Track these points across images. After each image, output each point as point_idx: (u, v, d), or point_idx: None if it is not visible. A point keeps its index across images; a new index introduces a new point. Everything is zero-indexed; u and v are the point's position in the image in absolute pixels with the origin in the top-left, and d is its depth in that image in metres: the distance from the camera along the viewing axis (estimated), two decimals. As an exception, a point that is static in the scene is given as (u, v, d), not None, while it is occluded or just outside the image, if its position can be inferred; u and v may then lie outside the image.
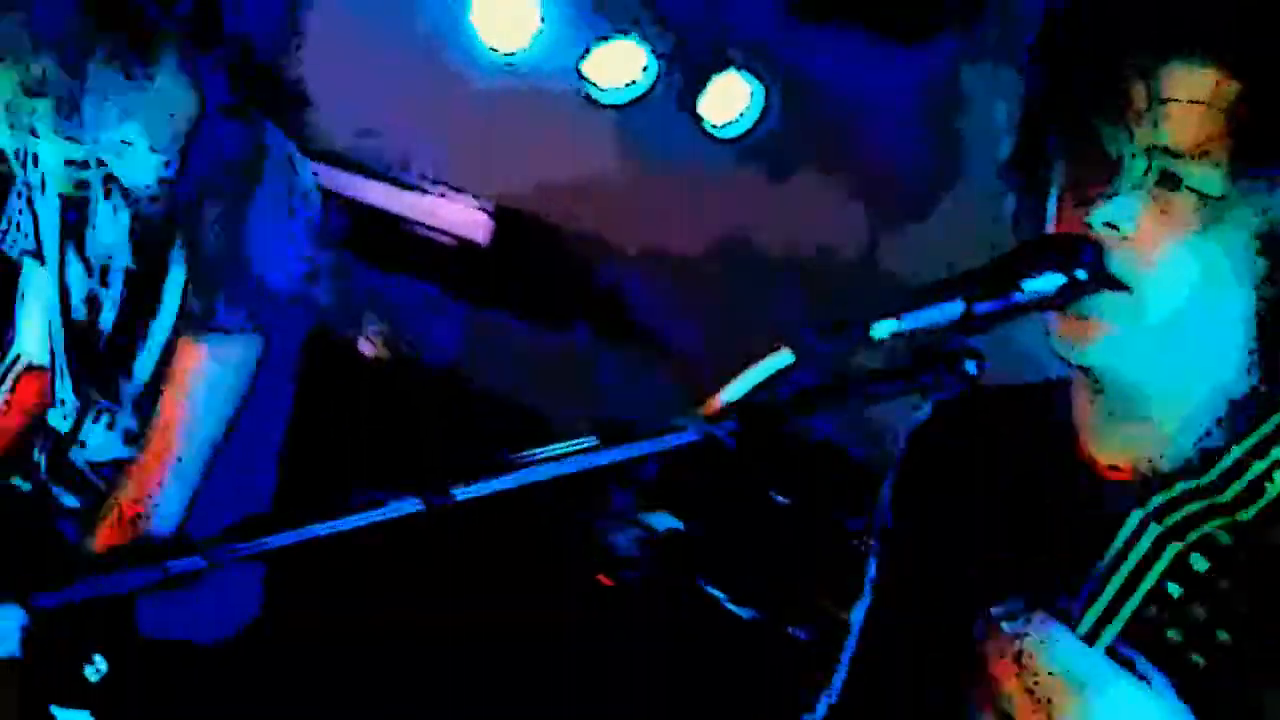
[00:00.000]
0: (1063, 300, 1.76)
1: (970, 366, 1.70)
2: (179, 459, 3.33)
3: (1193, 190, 1.73)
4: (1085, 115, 1.80)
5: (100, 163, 3.42)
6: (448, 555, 5.33)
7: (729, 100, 6.78)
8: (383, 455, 5.69)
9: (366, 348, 6.70)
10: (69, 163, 3.42)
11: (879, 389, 1.70)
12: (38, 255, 3.66)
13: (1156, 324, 1.79)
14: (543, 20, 6.38)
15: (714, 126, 6.80)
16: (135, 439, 3.50)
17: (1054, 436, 2.00)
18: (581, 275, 7.22)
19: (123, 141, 3.37)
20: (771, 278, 6.72)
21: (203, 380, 3.33)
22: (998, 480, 2.06)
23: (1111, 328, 1.79)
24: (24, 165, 3.61)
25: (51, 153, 3.43)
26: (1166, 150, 1.73)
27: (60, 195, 3.54)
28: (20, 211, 3.69)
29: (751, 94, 6.79)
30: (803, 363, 1.64)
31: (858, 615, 2.30)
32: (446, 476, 1.53)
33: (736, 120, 6.78)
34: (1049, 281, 1.74)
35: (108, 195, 3.47)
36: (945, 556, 2.09)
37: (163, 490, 3.30)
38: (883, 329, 1.66)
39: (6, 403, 3.82)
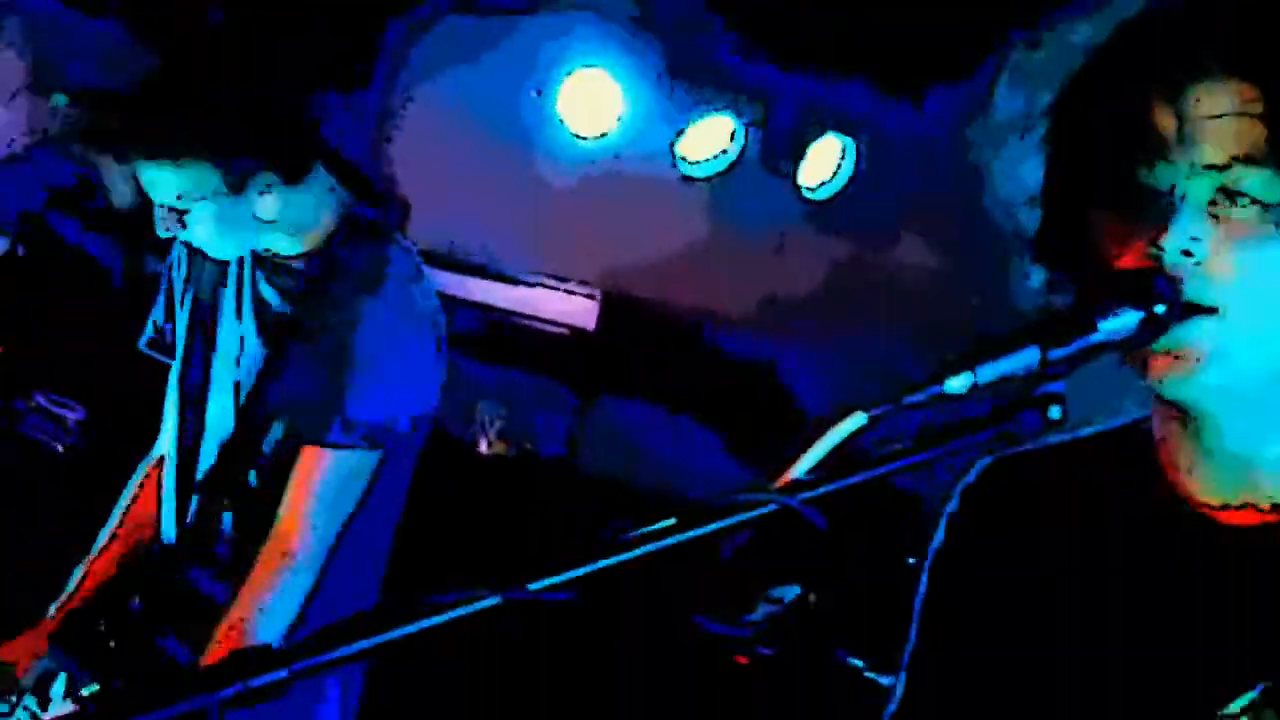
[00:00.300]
0: (1144, 337, 1.72)
1: (1054, 412, 1.68)
2: (295, 567, 3.39)
3: (1251, 199, 1.70)
4: (1121, 159, 1.78)
5: (239, 266, 3.57)
6: (576, 648, 5.34)
7: (822, 161, 6.79)
8: (496, 548, 5.71)
9: (482, 444, 6.73)
10: (213, 262, 3.60)
11: (961, 443, 1.67)
12: (171, 353, 3.77)
13: (1248, 343, 1.75)
14: (627, 103, 6.42)
15: (808, 189, 6.80)
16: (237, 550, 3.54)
17: (1139, 482, 1.95)
18: (691, 351, 7.22)
19: (266, 250, 3.54)
20: (881, 334, 6.69)
21: (324, 489, 3.40)
22: (1079, 538, 1.99)
23: (1204, 354, 1.75)
24: (171, 268, 3.76)
25: (200, 252, 3.58)
26: (1213, 167, 1.71)
27: (197, 298, 3.59)
28: (162, 313, 3.84)
29: (843, 152, 6.79)
30: (877, 423, 1.62)
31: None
32: (530, 569, 1.53)
33: (830, 180, 6.79)
34: (1126, 319, 1.70)
35: (240, 300, 3.60)
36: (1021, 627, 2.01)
37: (275, 598, 3.34)
38: (958, 383, 1.63)
39: (140, 486, 3.89)
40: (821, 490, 1.61)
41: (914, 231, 7.08)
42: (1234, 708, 1.76)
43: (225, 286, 3.67)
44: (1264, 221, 1.70)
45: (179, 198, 3.39)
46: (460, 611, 1.44)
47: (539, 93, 6.43)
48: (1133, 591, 1.89)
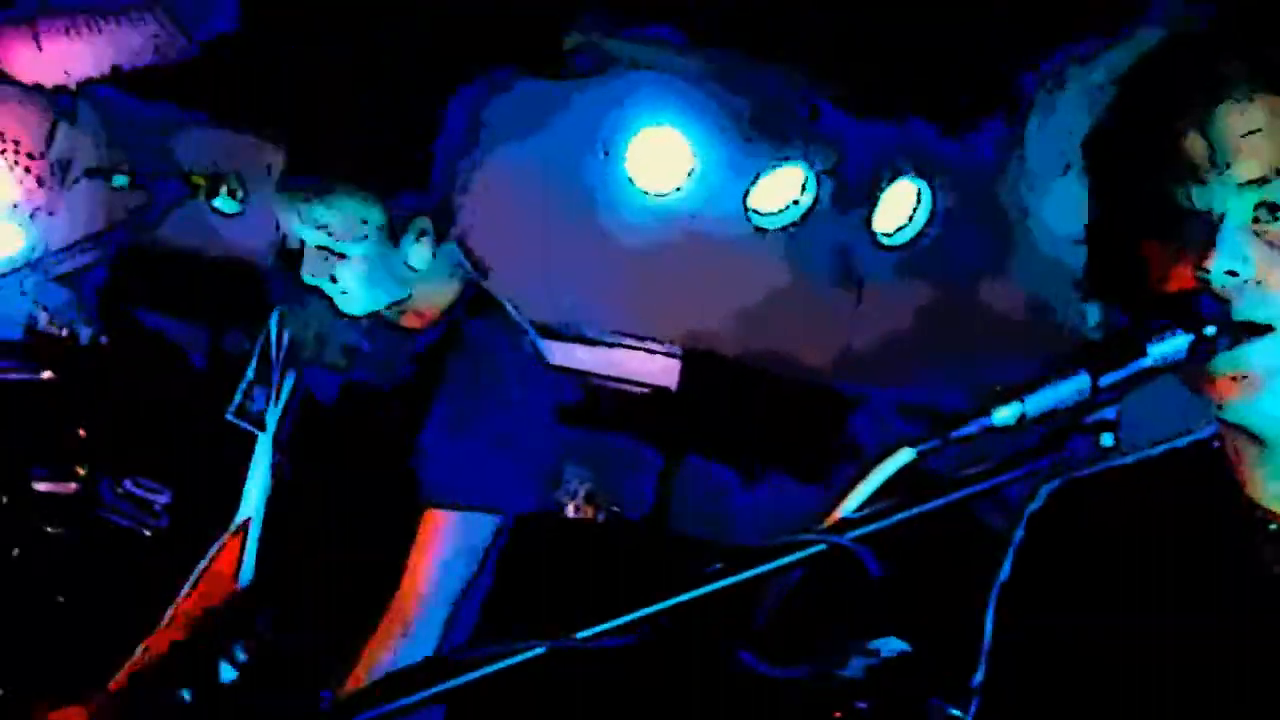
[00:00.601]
0: (1197, 358, 1.70)
1: (1106, 439, 1.67)
2: (414, 632, 3.41)
3: None
4: (1158, 187, 1.78)
5: (354, 330, 3.61)
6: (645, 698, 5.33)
7: (896, 206, 6.77)
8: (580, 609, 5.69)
9: (569, 509, 6.73)
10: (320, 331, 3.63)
11: (1014, 473, 1.66)
12: (258, 423, 3.77)
13: None
14: (696, 158, 6.44)
15: (884, 234, 6.79)
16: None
17: (1213, 499, 1.92)
18: (776, 406, 7.20)
19: (390, 308, 3.54)
20: (967, 380, 6.65)
21: (448, 552, 3.44)
22: (1154, 558, 1.97)
23: (1263, 377, 1.74)
24: (267, 335, 3.81)
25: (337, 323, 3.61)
26: (1250, 183, 1.71)
27: (292, 368, 3.70)
28: (253, 383, 3.85)
29: (918, 196, 6.78)
30: (925, 459, 1.61)
31: None
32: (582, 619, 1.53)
33: (906, 225, 6.77)
34: (1176, 341, 1.68)
35: (349, 360, 3.63)
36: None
37: (393, 662, 3.34)
38: (1007, 414, 1.62)
39: (218, 552, 3.92)
40: (871, 527, 1.60)
41: (997, 273, 7.04)
42: None
43: (330, 348, 3.67)
44: None
45: (337, 237, 3.38)
46: (508, 661, 1.44)
47: (606, 153, 6.45)
48: (1216, 610, 1.87)
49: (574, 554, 6.51)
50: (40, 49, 8.03)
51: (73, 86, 8.41)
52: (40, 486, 6.65)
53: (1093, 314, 1.93)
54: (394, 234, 3.44)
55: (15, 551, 6.43)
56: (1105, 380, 1.64)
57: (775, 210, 6.62)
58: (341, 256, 3.41)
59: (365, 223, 3.39)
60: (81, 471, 6.73)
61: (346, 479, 3.63)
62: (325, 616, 3.59)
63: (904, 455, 1.61)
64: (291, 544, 3.70)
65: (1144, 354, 1.66)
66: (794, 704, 5.37)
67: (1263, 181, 1.69)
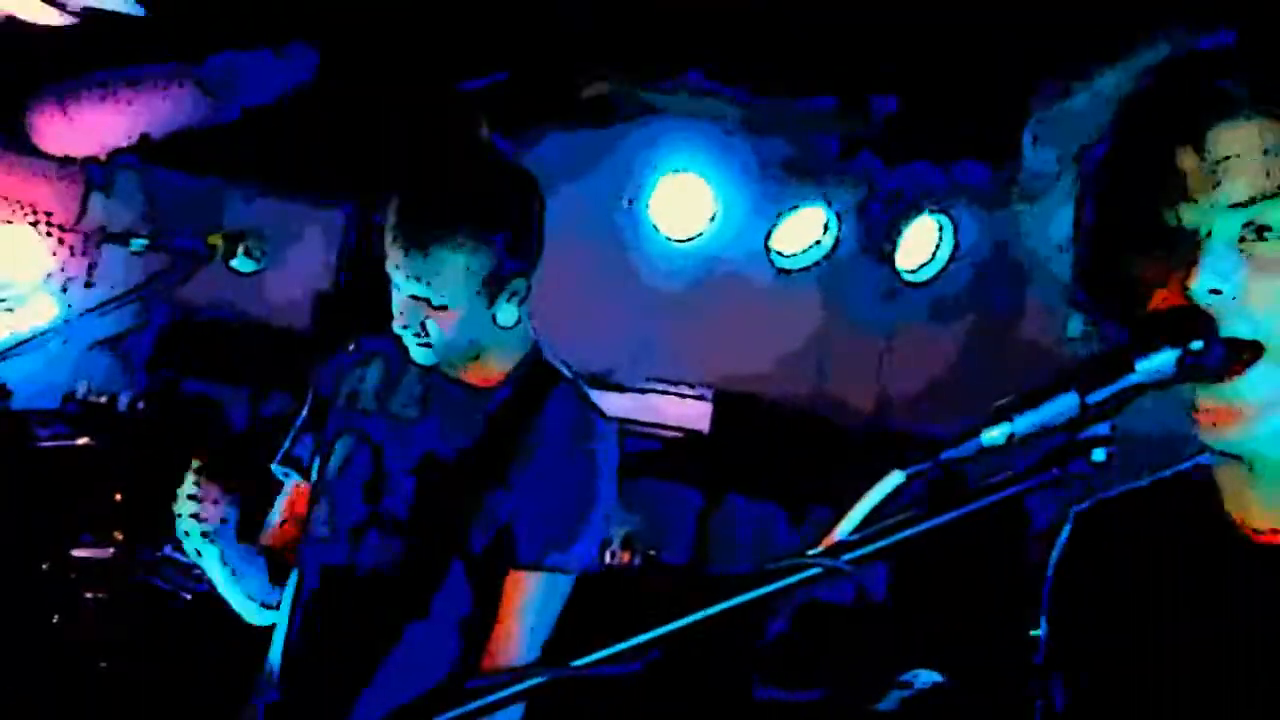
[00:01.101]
0: (1185, 374, 1.70)
1: (1099, 454, 1.67)
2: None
3: (1278, 235, 1.69)
4: (1149, 202, 1.78)
5: (421, 389, 3.61)
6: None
7: (919, 243, 6.80)
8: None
9: (605, 555, 6.74)
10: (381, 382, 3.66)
11: (1007, 492, 1.67)
12: (306, 473, 3.76)
13: None
14: (718, 203, 6.48)
15: (908, 271, 6.82)
16: None
17: (1201, 521, 1.94)
18: (809, 444, 7.21)
19: (462, 366, 3.55)
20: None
21: (535, 613, 3.41)
22: (1155, 582, 1.98)
23: (1258, 406, 1.73)
24: (322, 390, 3.78)
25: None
26: (1238, 205, 1.70)
27: (343, 423, 3.68)
28: (301, 431, 3.82)
29: (940, 231, 6.81)
30: (917, 481, 1.62)
31: None
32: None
33: (929, 261, 6.79)
34: (1164, 357, 1.67)
35: (422, 415, 3.61)
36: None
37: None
38: (996, 434, 1.62)
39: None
40: (865, 550, 1.62)
41: (1033, 305, 7.04)
42: None
43: (399, 397, 3.66)
44: None
45: (438, 290, 3.38)
46: (511, 690, 1.46)
47: (630, 202, 6.50)
48: (1200, 631, 1.88)
49: (608, 601, 6.50)
50: (70, 120, 8.12)
51: (103, 157, 8.50)
52: (79, 553, 6.70)
53: (1074, 325, 1.94)
54: (493, 292, 3.43)
55: (56, 618, 6.48)
56: (1093, 398, 1.64)
57: (797, 251, 6.66)
58: (440, 309, 3.41)
59: (470, 278, 3.38)
60: (119, 536, 6.77)
61: (415, 540, 3.56)
62: (371, 677, 3.58)
63: (894, 478, 1.62)
64: (346, 600, 3.63)
65: (1132, 370, 1.65)
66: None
67: (1250, 203, 1.69)
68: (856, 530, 1.63)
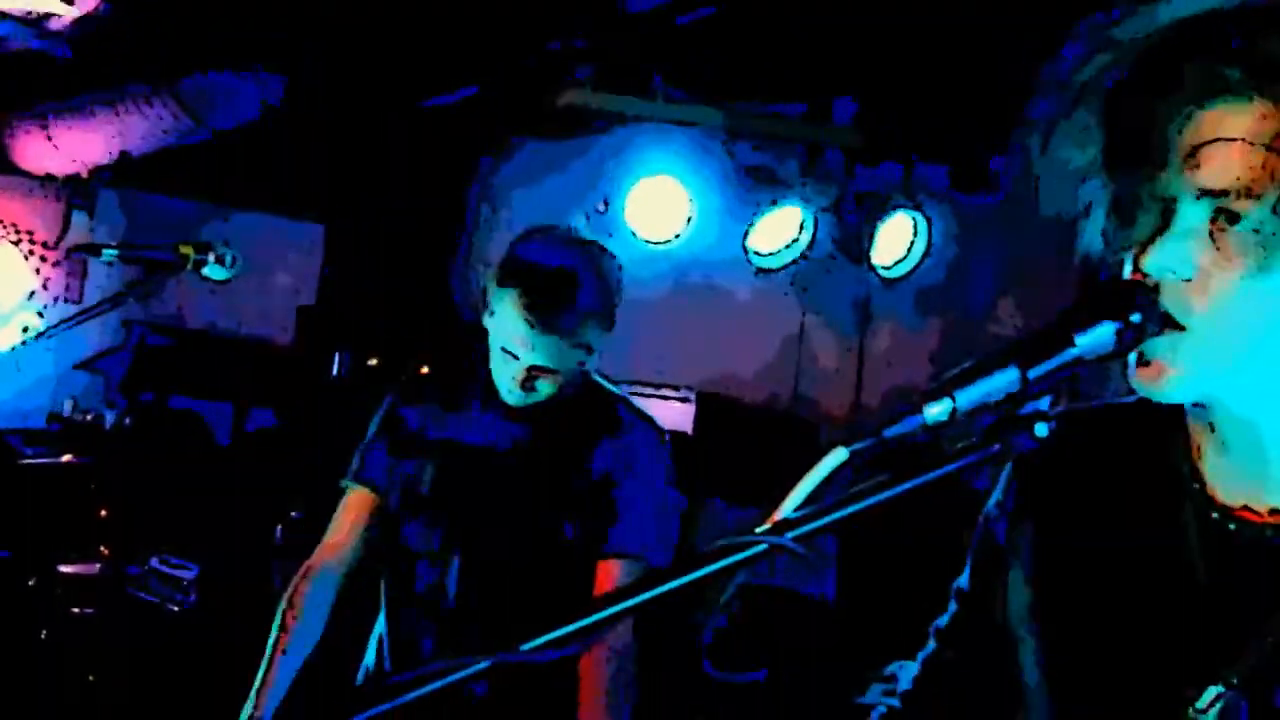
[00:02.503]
0: (1124, 347, 1.71)
1: (1040, 429, 1.67)
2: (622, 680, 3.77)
3: (1247, 228, 1.69)
4: (1128, 170, 1.78)
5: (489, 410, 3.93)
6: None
7: (893, 240, 6.82)
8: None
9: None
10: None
11: (951, 467, 1.68)
12: (376, 488, 3.97)
13: (1221, 367, 1.75)
14: (694, 205, 6.49)
15: (884, 268, 6.83)
16: None
17: (1164, 457, 1.94)
18: (790, 444, 7.22)
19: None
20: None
21: None
22: (1119, 497, 1.99)
23: (1169, 370, 1.75)
24: (397, 410, 4.01)
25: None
26: (1209, 192, 1.70)
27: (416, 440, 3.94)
28: (371, 447, 4.03)
29: (915, 228, 6.82)
30: (860, 458, 1.63)
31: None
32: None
33: (904, 257, 6.81)
34: (1102, 331, 1.68)
35: (494, 423, 3.92)
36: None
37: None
38: (938, 410, 1.63)
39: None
40: (809, 527, 1.63)
41: (1008, 298, 7.06)
42: (1201, 703, 1.76)
43: (465, 429, 3.95)
44: (1255, 253, 1.69)
45: (558, 362, 3.71)
46: (455, 676, 1.47)
47: (606, 204, 6.52)
48: (1141, 568, 1.91)
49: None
50: (51, 140, 8.13)
51: (84, 174, 8.51)
52: (65, 568, 6.70)
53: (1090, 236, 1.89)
54: (589, 356, 3.81)
55: (44, 633, 6.48)
56: (1034, 372, 1.65)
57: (775, 250, 6.67)
58: (552, 372, 3.73)
59: (589, 354, 3.79)
60: (105, 552, 6.77)
61: (503, 532, 3.90)
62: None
63: (838, 455, 1.63)
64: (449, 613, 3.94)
65: (1071, 344, 1.67)
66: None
67: (1223, 193, 1.69)
68: (801, 507, 1.65)
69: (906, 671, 2.35)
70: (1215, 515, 1.87)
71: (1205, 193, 1.70)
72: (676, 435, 7.24)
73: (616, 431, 3.91)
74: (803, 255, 6.73)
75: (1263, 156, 1.67)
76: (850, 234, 6.88)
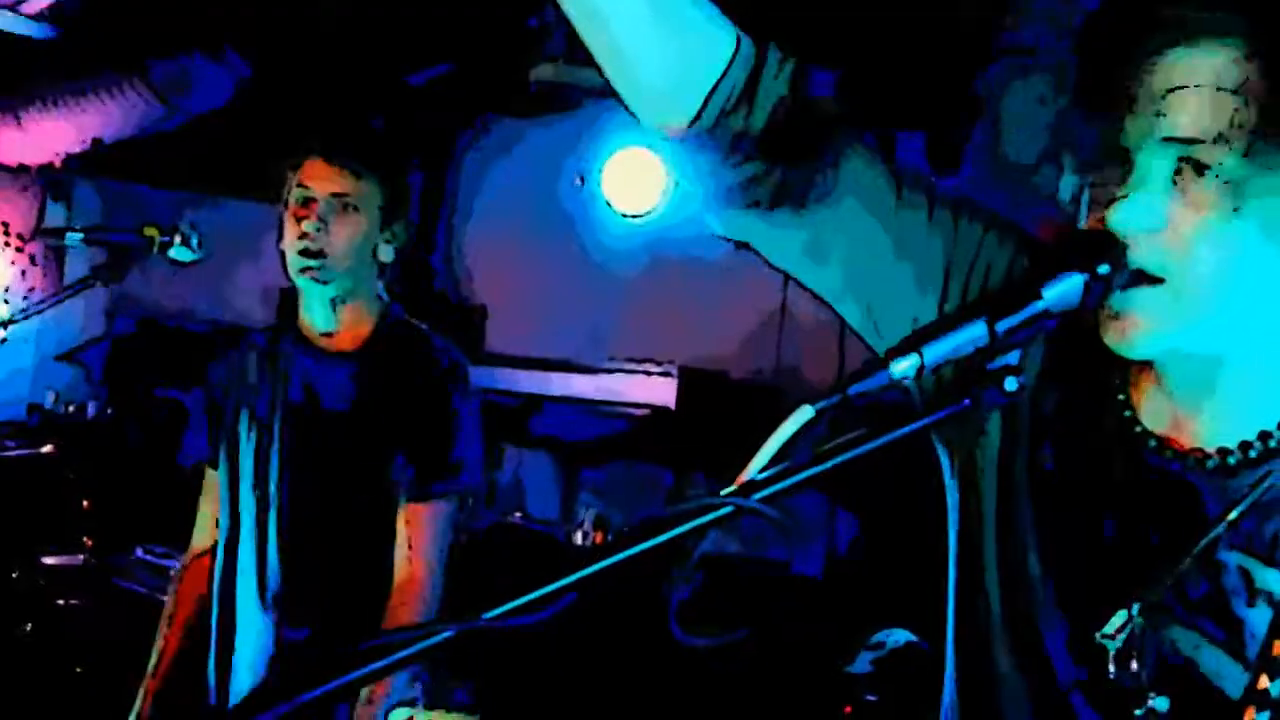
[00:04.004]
0: (1093, 299, 1.70)
1: (1010, 384, 1.66)
2: (431, 609, 3.80)
3: (1216, 176, 1.67)
4: (1100, 114, 1.76)
5: (292, 359, 4.02)
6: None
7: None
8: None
9: (577, 537, 6.73)
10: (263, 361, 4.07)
11: (920, 424, 1.66)
12: (215, 462, 4.09)
13: (1191, 319, 1.74)
14: (671, 176, 6.46)
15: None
16: None
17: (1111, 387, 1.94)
18: (775, 416, 7.19)
19: (325, 333, 3.98)
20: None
21: (435, 534, 3.87)
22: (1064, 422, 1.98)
23: (1147, 322, 1.74)
24: (212, 386, 4.16)
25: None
26: (1174, 140, 1.69)
27: (246, 398, 4.02)
28: (202, 426, 4.19)
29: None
30: (825, 416, 1.61)
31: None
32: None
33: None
34: (1070, 283, 1.68)
35: (304, 390, 3.98)
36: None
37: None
38: (905, 366, 1.62)
39: (180, 581, 4.24)
40: (775, 488, 1.61)
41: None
42: (1109, 628, 1.76)
43: (277, 380, 4.02)
44: (1225, 200, 1.68)
45: (352, 197, 3.89)
46: (418, 646, 1.45)
47: (581, 179, 6.49)
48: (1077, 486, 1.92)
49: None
50: (23, 130, 8.10)
51: (58, 164, 8.48)
52: (49, 560, 6.69)
53: (1066, 186, 1.90)
54: (384, 219, 3.95)
55: (29, 626, 6.47)
56: (1002, 326, 1.65)
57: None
58: (353, 211, 3.89)
59: (373, 192, 3.92)
60: (89, 543, 6.76)
61: (334, 490, 3.95)
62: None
63: (804, 414, 1.62)
64: (288, 562, 3.95)
65: (1039, 297, 1.66)
66: (804, 698, 5.39)
67: (1190, 141, 1.68)
68: (767, 468, 1.63)
69: (895, 637, 2.35)
70: (1138, 429, 1.88)
71: (1173, 140, 1.68)
72: (660, 410, 7.29)
73: (414, 369, 3.95)
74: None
75: (1231, 104, 1.66)
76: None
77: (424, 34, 6.90)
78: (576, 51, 6.49)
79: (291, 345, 4.02)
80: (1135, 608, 1.76)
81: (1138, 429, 1.87)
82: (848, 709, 5.10)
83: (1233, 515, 1.75)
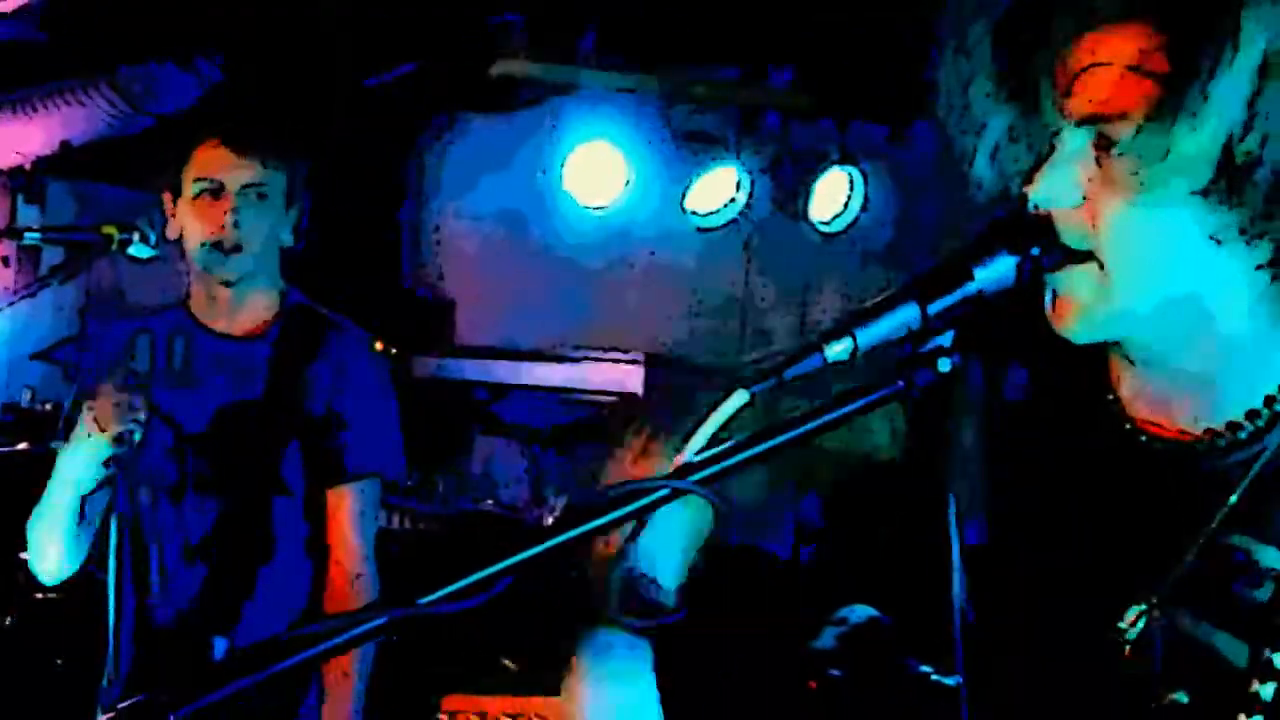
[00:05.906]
0: (1026, 279, 1.71)
1: (943, 365, 1.67)
2: (367, 588, 3.85)
3: (1124, 152, 1.65)
4: (1017, 99, 1.78)
5: (184, 343, 3.98)
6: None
7: (830, 195, 6.85)
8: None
9: (548, 521, 6.76)
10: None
11: (855, 405, 1.67)
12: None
13: (1125, 292, 1.71)
14: (632, 168, 6.50)
15: (823, 223, 6.86)
16: None
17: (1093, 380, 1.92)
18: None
19: (222, 336, 3.94)
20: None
21: (361, 514, 3.90)
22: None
23: (1080, 303, 1.73)
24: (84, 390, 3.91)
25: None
26: (1091, 117, 1.67)
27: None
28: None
29: (851, 183, 6.86)
30: (761, 399, 1.63)
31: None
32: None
33: (842, 212, 6.84)
34: (1001, 264, 1.68)
35: (211, 372, 3.93)
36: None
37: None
38: (839, 349, 1.64)
39: None
40: (712, 470, 1.64)
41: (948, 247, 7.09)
42: (1123, 622, 1.75)
43: (174, 374, 3.94)
44: (1138, 176, 1.66)
45: (260, 180, 3.85)
46: (352, 633, 1.46)
47: (543, 172, 6.53)
48: (1069, 491, 1.91)
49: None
50: (-8, 132, 8.09)
51: (27, 166, 8.47)
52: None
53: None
54: (287, 203, 3.93)
55: (8, 620, 6.48)
56: (934, 308, 1.66)
57: (712, 210, 6.70)
58: (264, 199, 3.85)
59: (279, 177, 3.90)
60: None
61: (232, 489, 3.87)
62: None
63: (739, 397, 1.64)
64: (203, 560, 3.88)
65: (970, 278, 1.67)
66: (767, 675, 5.40)
67: (1101, 118, 1.66)
68: (703, 450, 1.66)
69: (857, 613, 2.32)
70: (1128, 426, 1.85)
71: (1084, 119, 1.68)
72: (626, 396, 7.32)
73: (325, 354, 3.93)
74: (741, 214, 6.76)
75: (1135, 79, 1.66)
76: (788, 193, 6.90)
77: (389, 32, 6.92)
78: (539, 48, 6.53)
79: (189, 331, 3.96)
80: (1153, 599, 1.76)
81: (1126, 422, 1.86)
82: (812, 685, 5.12)
83: (1233, 499, 1.73)
